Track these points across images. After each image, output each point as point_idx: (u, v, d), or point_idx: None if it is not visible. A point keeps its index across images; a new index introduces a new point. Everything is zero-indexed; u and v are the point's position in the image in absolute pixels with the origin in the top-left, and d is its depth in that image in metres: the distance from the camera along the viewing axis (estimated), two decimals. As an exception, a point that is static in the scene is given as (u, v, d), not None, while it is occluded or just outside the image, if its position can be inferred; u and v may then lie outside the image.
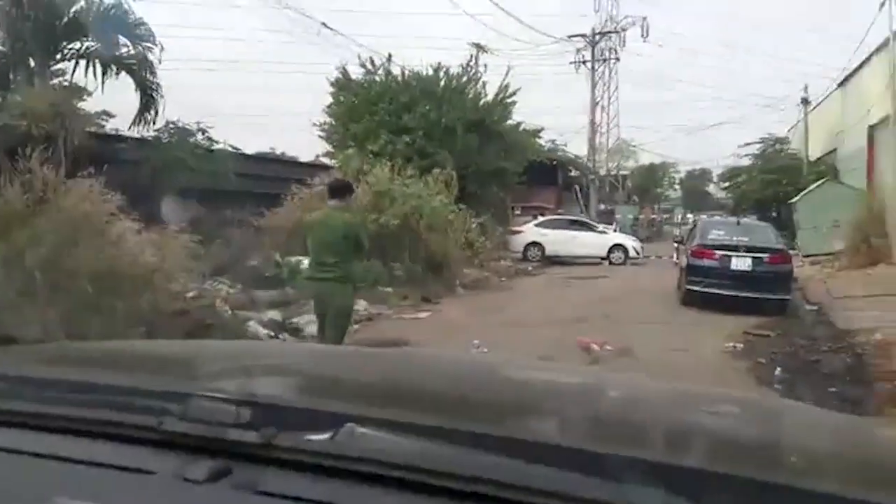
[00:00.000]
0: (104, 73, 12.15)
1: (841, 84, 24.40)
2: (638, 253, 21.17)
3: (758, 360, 7.52)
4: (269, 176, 15.56)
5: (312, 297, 6.41)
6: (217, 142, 13.67)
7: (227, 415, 0.90)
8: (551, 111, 49.69)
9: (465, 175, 16.92)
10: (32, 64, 11.98)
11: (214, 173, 12.47)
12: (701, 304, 10.90)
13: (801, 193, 21.11)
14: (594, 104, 36.92)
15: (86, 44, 12.21)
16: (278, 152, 24.33)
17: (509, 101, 19.70)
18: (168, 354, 1.65)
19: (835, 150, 24.94)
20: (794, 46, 70.48)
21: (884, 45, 18.54)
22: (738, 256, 11.21)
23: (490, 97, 19.34)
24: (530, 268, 18.71)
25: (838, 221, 16.10)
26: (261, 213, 12.55)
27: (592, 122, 36.83)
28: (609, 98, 38.58)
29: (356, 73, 19.17)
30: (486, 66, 19.90)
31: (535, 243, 20.32)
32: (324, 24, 19.14)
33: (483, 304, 11.84)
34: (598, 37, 36.55)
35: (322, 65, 48.97)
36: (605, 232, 22.21)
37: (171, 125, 13.07)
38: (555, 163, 29.50)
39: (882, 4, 17.59)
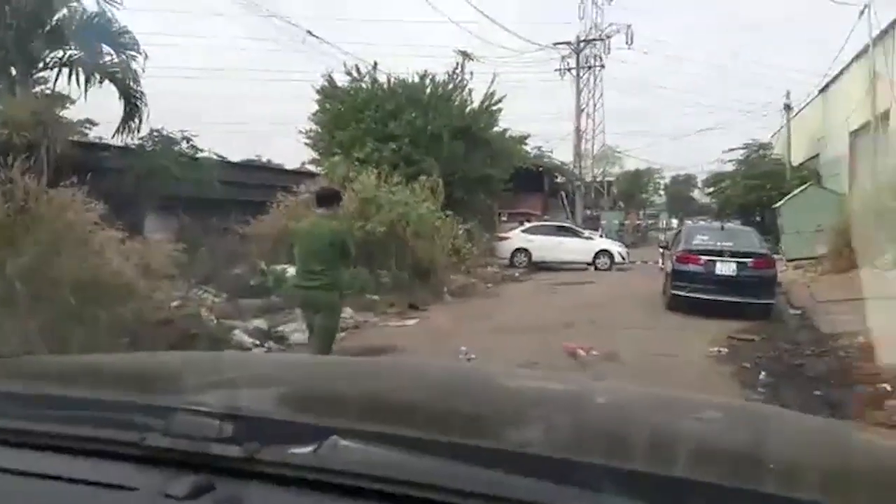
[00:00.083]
0: (87, 82, 12.04)
1: (822, 90, 24.76)
2: (623, 258, 21.31)
3: (742, 365, 7.57)
4: (255, 183, 15.51)
5: (299, 305, 6.39)
6: (202, 150, 13.63)
7: (209, 429, 0.90)
8: (537, 118, 50.03)
9: (452, 182, 16.95)
10: (14, 72, 11.86)
11: (199, 181, 12.41)
12: (686, 309, 10.96)
13: (785, 198, 21.32)
14: (579, 111, 37.10)
15: (68, 52, 12.12)
16: (264, 160, 24.25)
17: (495, 108, 19.79)
18: (150, 367, 1.64)
19: (817, 155, 25.25)
20: (777, 53, 71.38)
21: (863, 53, 18.83)
22: (722, 261, 11.30)
23: (476, 104, 19.42)
24: (517, 274, 18.76)
25: (821, 226, 16.26)
26: (246, 221, 12.49)
27: (578, 129, 37.00)
28: (594, 105, 38.81)
29: (342, 80, 19.24)
30: (471, 73, 20.01)
31: (521, 249, 20.40)
32: (309, 31, 19.20)
33: (470, 310, 11.85)
34: (582, 44, 36.76)
35: (308, 72, 48.98)
36: (591, 238, 22.36)
37: (156, 133, 13.01)
38: (541, 169, 29.64)
39: (861, 12, 17.88)
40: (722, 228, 13.19)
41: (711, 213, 35.37)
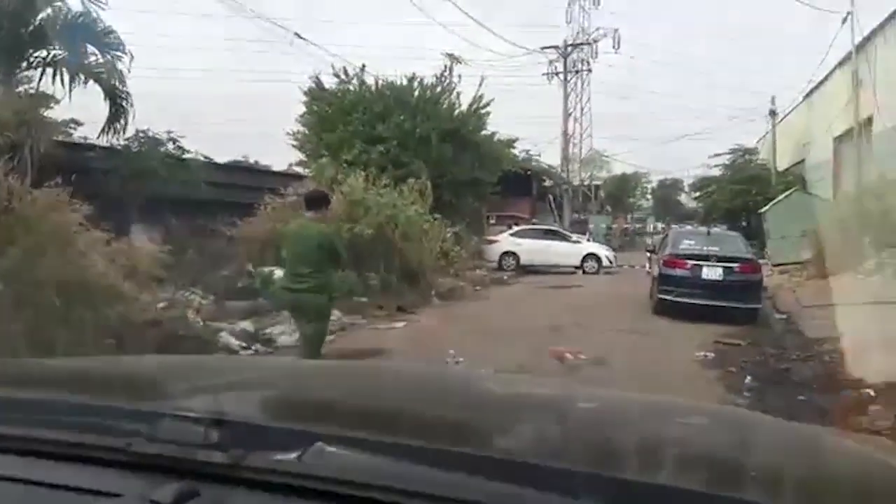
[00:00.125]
0: (72, 82, 11.94)
1: (807, 96, 25.01)
2: (611, 262, 21.43)
3: (728, 369, 7.62)
4: (242, 185, 15.41)
5: (287, 308, 6.36)
6: (188, 151, 13.53)
7: (195, 435, 0.89)
8: (525, 122, 50.06)
9: (440, 185, 16.94)
10: (-3, 71, 11.74)
11: (186, 182, 12.33)
12: (673, 313, 11.02)
13: (770, 203, 21.49)
14: (567, 115, 37.30)
15: (53, 52, 12.01)
16: (251, 161, 24.14)
17: (483, 111, 19.80)
18: (135, 371, 1.62)
19: (802, 160, 25.49)
20: (763, 59, 72.00)
21: (846, 59, 19.05)
22: (708, 266, 11.38)
23: (464, 107, 19.44)
24: (505, 277, 18.81)
25: (806, 231, 16.40)
26: (233, 223, 12.42)
27: (565, 133, 37.21)
28: (582, 109, 39.06)
29: (330, 82, 19.19)
30: (460, 76, 20.00)
31: (509, 253, 20.47)
32: (297, 34, 19.09)
33: (458, 313, 11.86)
34: (570, 48, 36.97)
35: (296, 74, 48.78)
36: (578, 241, 22.46)
37: (142, 134, 12.90)
38: (529, 173, 29.73)
39: (844, 19, 18.09)
40: (708, 233, 13.29)
41: (698, 217, 35.60)
